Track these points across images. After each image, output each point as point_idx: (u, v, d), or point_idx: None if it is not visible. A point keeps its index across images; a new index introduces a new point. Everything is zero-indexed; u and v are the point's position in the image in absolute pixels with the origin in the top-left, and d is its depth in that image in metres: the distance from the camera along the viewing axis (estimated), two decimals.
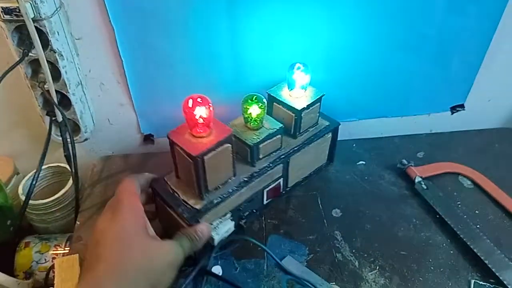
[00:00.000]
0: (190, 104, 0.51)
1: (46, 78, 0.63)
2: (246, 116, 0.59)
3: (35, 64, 0.65)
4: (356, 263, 0.59)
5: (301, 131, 0.65)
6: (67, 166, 0.72)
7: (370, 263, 0.59)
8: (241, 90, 0.73)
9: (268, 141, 0.60)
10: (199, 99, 0.51)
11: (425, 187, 0.69)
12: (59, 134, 0.70)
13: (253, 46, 0.69)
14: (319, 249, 0.61)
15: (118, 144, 0.81)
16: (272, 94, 0.65)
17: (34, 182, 0.67)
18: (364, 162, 0.76)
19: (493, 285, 0.55)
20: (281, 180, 0.65)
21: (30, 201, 0.70)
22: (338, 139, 0.72)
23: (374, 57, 0.73)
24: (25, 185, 0.75)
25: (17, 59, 0.62)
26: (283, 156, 0.62)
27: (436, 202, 0.66)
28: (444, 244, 0.61)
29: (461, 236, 0.61)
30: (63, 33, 0.63)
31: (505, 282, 0.55)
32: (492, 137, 0.81)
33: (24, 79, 0.65)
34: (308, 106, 0.63)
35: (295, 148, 0.64)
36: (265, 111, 0.59)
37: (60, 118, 0.67)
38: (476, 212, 0.66)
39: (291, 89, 0.64)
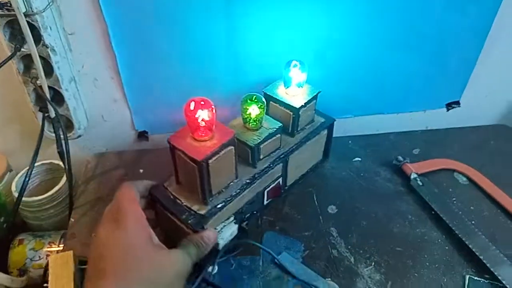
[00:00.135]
0: (192, 107, 0.49)
1: (39, 73, 0.63)
2: (245, 116, 0.58)
3: (27, 60, 0.64)
4: (352, 259, 0.59)
5: (298, 129, 0.65)
6: (61, 163, 0.72)
7: (365, 259, 0.59)
8: (237, 87, 0.73)
9: (269, 141, 0.59)
10: (202, 102, 0.49)
11: (420, 184, 0.69)
12: (52, 130, 0.69)
13: (250, 42, 0.69)
14: (314, 245, 0.60)
15: (112, 140, 0.80)
16: (268, 93, 0.64)
17: (27, 179, 0.66)
18: (360, 159, 0.76)
19: (488, 281, 0.56)
20: (280, 180, 0.64)
21: (24, 198, 0.69)
22: (334, 135, 0.72)
23: (370, 54, 0.73)
24: (18, 182, 0.74)
25: (9, 54, 0.61)
26: (282, 156, 0.62)
27: (432, 198, 0.66)
28: (440, 240, 0.61)
29: (456, 232, 0.61)
30: (55, 28, 0.62)
31: (500, 277, 0.55)
32: (487, 133, 0.82)
33: (16, 75, 0.64)
34: (305, 104, 0.62)
35: (294, 147, 0.63)
36: (265, 111, 0.58)
37: (53, 114, 0.67)
38: (471, 208, 0.66)
39: (287, 87, 0.64)
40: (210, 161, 0.50)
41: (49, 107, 0.66)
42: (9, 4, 0.56)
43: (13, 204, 0.69)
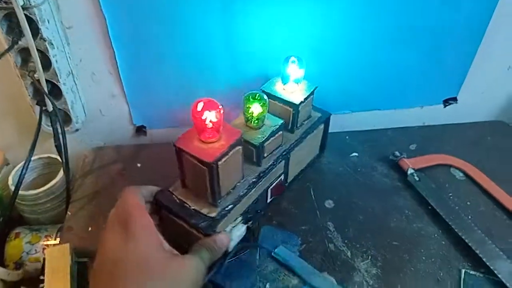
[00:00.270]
0: (199, 108, 0.48)
1: (36, 67, 0.63)
2: (248, 115, 0.57)
3: (25, 53, 0.64)
4: (349, 253, 0.59)
5: (298, 125, 0.65)
6: (58, 157, 0.72)
7: (362, 253, 0.59)
8: (235, 83, 0.73)
9: (272, 138, 0.58)
10: (209, 103, 0.48)
11: (417, 179, 0.69)
12: (49, 124, 0.69)
13: (247, 38, 0.69)
14: (311, 239, 0.61)
15: (110, 135, 0.80)
16: (266, 91, 0.63)
17: (24, 173, 0.66)
18: (357, 154, 0.76)
19: (484, 275, 0.56)
20: (282, 177, 0.64)
21: (21, 192, 0.69)
22: (332, 131, 0.72)
23: (367, 50, 0.73)
24: (15, 176, 0.74)
25: (6, 47, 0.61)
26: (285, 153, 0.61)
27: (428, 193, 0.66)
28: (436, 235, 0.62)
29: (452, 227, 0.61)
30: (53, 21, 0.62)
31: (495, 271, 0.55)
32: (484, 130, 0.82)
33: (13, 68, 0.64)
34: (304, 100, 0.62)
35: (294, 143, 0.63)
36: (267, 108, 0.57)
37: (50, 108, 0.67)
38: (468, 203, 0.66)
39: (285, 83, 0.63)
40: (219, 162, 0.49)
41: (47, 100, 0.66)
42: None
43: (10, 197, 0.69)
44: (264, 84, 0.65)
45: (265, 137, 0.57)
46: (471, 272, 0.56)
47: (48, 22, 0.61)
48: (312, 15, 0.67)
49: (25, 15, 0.58)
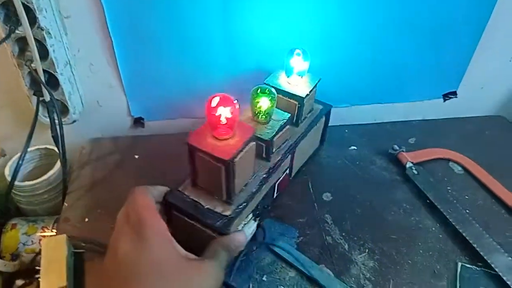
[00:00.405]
0: (213, 104, 0.46)
1: (33, 56, 0.62)
2: (256, 110, 0.55)
3: (22, 42, 0.63)
4: (346, 246, 0.59)
5: (302, 118, 0.64)
6: (56, 149, 0.71)
7: (359, 246, 0.59)
8: (234, 74, 0.73)
9: (280, 133, 0.57)
10: (223, 98, 0.46)
11: (416, 173, 0.69)
12: (46, 115, 0.69)
13: (246, 29, 0.68)
14: (309, 232, 0.60)
15: (107, 126, 0.79)
16: (270, 84, 0.61)
17: (20, 162, 0.66)
18: (355, 147, 0.76)
19: (481, 268, 0.56)
20: (287, 171, 0.63)
21: (17, 183, 0.69)
22: (331, 124, 0.72)
23: (367, 44, 0.72)
24: (11, 167, 0.73)
25: (3, 36, 0.60)
26: (292, 147, 0.61)
27: (427, 187, 0.66)
28: (434, 228, 0.62)
29: (450, 220, 0.61)
30: (51, 10, 0.61)
31: (492, 265, 0.55)
32: (483, 124, 0.82)
33: (10, 58, 0.64)
34: (309, 93, 0.62)
35: (300, 136, 0.63)
36: (276, 103, 0.55)
37: (47, 98, 0.66)
38: (466, 197, 0.66)
39: (289, 76, 0.62)
40: (235, 159, 0.48)
41: (44, 91, 0.65)
42: None
43: (6, 188, 0.69)
44: (267, 78, 0.64)
45: (274, 132, 0.55)
46: (468, 265, 0.56)
47: (46, 11, 0.60)
48: (312, 8, 0.67)
49: (23, 3, 0.57)
